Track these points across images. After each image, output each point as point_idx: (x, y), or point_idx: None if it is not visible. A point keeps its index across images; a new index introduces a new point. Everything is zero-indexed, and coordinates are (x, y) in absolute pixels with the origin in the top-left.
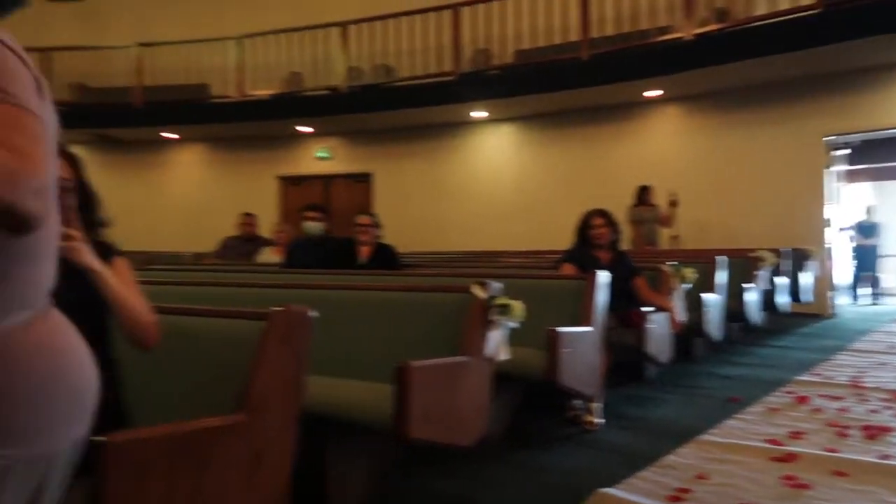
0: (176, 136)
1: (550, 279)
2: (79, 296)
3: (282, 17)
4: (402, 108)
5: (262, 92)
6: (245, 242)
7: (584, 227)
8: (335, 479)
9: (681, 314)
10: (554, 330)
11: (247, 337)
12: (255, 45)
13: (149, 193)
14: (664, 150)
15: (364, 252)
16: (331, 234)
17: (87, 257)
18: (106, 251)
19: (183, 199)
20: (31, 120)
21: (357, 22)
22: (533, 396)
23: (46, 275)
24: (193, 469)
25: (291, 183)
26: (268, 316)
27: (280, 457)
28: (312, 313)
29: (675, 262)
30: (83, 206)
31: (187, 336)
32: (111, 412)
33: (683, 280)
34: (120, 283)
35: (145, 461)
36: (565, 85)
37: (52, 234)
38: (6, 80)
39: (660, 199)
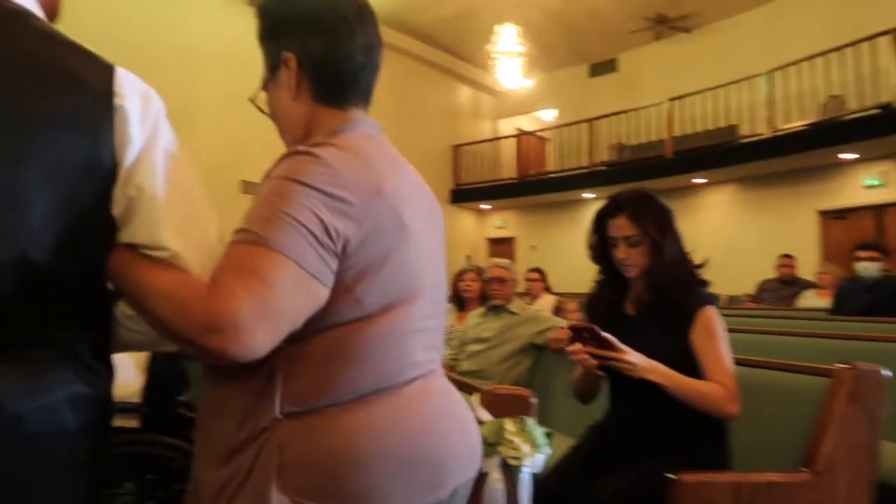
0: (704, 180)
1: None
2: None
3: (812, 41)
4: None
5: (796, 124)
6: (784, 286)
7: None
8: None
9: None
10: None
11: (809, 393)
12: (785, 76)
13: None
14: None
15: None
16: (890, 275)
17: (638, 371)
18: (693, 302)
19: (711, 241)
20: (266, 261)
21: None
22: None
23: (390, 358)
24: None
25: (834, 217)
26: (833, 373)
27: None
28: (885, 372)
29: None
30: (654, 257)
31: (747, 386)
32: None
33: None
34: (679, 376)
35: (711, 502)
36: None
37: (393, 326)
38: (261, 223)
39: None
